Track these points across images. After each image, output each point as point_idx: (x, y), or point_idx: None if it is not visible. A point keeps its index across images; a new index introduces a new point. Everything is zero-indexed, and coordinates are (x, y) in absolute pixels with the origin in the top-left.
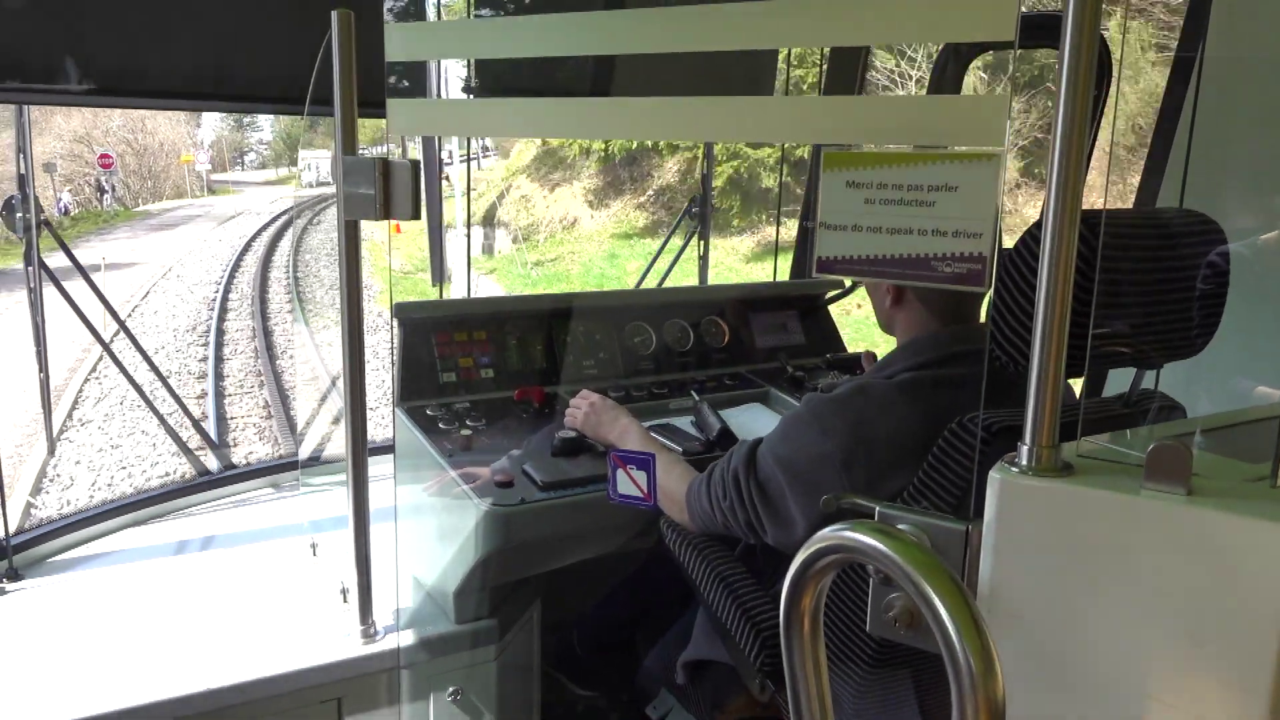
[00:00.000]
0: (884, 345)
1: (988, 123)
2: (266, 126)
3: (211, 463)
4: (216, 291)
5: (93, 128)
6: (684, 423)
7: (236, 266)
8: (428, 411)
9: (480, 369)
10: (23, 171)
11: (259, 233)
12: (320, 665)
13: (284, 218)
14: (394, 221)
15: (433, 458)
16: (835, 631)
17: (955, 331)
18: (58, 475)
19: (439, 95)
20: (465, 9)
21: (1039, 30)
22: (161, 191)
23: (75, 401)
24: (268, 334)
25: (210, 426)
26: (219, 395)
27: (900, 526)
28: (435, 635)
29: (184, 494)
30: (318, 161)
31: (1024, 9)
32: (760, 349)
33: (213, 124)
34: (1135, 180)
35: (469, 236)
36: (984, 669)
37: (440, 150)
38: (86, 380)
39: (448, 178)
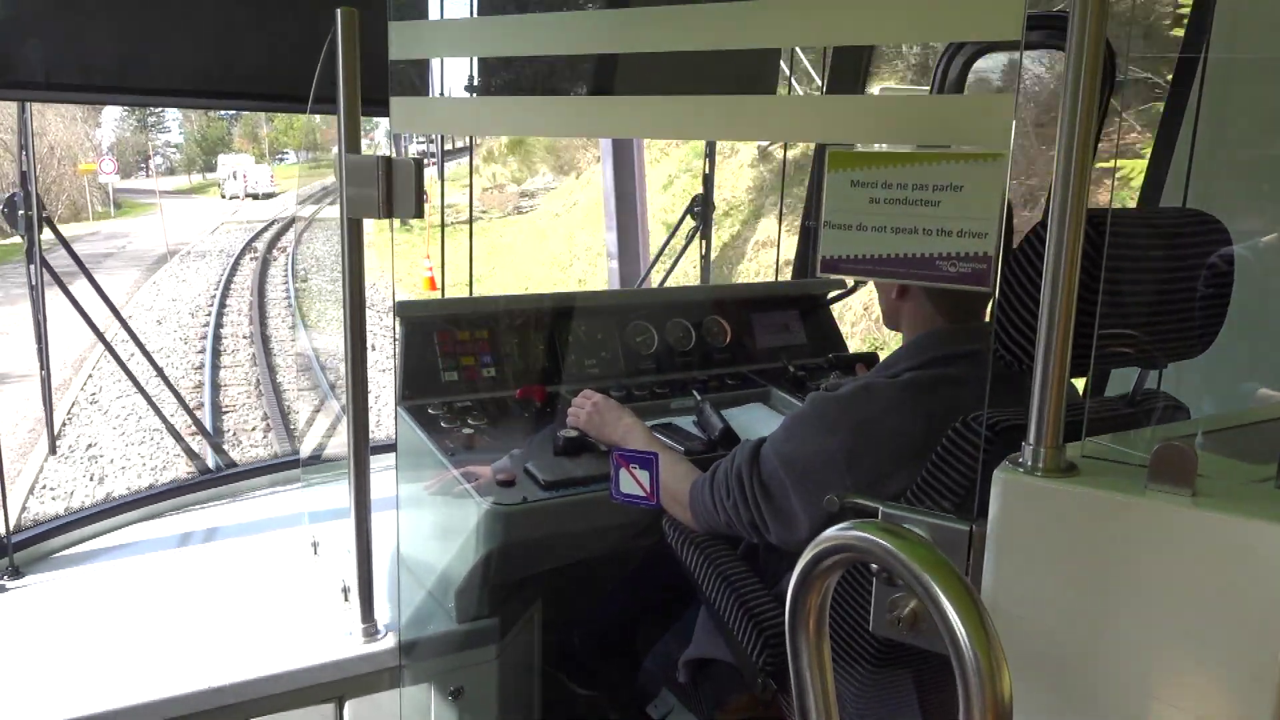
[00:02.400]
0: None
1: (993, 122)
2: (175, 127)
3: (211, 462)
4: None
5: None
6: (686, 422)
7: (216, 379)
8: (429, 410)
9: (482, 368)
10: (25, 169)
11: (224, 297)
12: (321, 664)
13: (250, 259)
14: (428, 275)
15: (435, 456)
16: (837, 631)
17: (960, 330)
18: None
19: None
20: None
21: (1045, 30)
22: (54, 211)
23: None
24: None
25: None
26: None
27: (904, 526)
28: (436, 634)
29: (184, 492)
30: (242, 169)
31: (1030, 9)
32: (762, 349)
33: (113, 123)
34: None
35: (471, 237)
36: (991, 669)
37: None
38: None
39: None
